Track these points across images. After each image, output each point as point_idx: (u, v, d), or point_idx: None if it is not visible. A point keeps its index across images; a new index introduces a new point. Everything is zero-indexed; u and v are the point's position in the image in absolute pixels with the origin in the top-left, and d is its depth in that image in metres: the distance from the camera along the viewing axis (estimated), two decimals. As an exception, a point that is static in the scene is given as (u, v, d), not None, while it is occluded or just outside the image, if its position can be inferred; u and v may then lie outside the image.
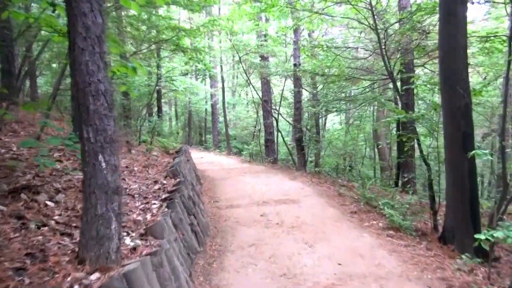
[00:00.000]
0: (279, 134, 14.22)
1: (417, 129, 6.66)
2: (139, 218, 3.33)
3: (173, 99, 26.39)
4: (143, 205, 3.78)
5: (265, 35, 11.35)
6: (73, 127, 5.08)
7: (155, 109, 15.30)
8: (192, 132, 27.33)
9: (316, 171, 11.60)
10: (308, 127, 10.49)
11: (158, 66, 9.63)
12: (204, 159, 15.22)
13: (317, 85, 11.54)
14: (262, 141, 16.39)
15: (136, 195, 4.06)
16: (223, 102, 17.22)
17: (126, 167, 5.19)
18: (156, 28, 7.27)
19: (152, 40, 7.74)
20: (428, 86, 8.16)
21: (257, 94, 12.89)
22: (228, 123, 21.58)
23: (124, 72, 3.89)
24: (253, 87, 12.63)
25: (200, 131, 27.19)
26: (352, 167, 15.70)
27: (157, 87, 13.58)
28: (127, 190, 4.14)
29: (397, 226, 4.74)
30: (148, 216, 3.38)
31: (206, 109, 24.15)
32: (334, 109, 9.62)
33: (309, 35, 11.15)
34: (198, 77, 20.60)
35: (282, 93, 13.31)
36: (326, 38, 9.30)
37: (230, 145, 17.61)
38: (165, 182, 4.84)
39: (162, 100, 31.35)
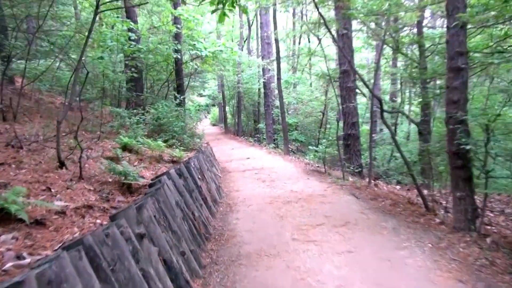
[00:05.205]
0: (386, 126, 8.19)
1: None
2: None
3: (219, 79, 21.47)
4: None
5: None
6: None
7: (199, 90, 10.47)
8: (245, 119, 22.06)
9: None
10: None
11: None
12: (249, 163, 9.95)
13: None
14: (330, 134, 10.53)
15: None
16: (278, 78, 11.59)
17: None
18: None
19: None
20: None
21: (335, 51, 7.00)
22: (286, 109, 15.95)
23: None
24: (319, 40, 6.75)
25: (254, 118, 21.73)
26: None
27: (175, 54, 8.67)
28: None
29: None
30: None
31: (259, 89, 18.61)
32: None
33: None
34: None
35: (381, 49, 7.18)
36: None
37: (288, 143, 12.01)
38: None
39: (214, 80, 25.78)
